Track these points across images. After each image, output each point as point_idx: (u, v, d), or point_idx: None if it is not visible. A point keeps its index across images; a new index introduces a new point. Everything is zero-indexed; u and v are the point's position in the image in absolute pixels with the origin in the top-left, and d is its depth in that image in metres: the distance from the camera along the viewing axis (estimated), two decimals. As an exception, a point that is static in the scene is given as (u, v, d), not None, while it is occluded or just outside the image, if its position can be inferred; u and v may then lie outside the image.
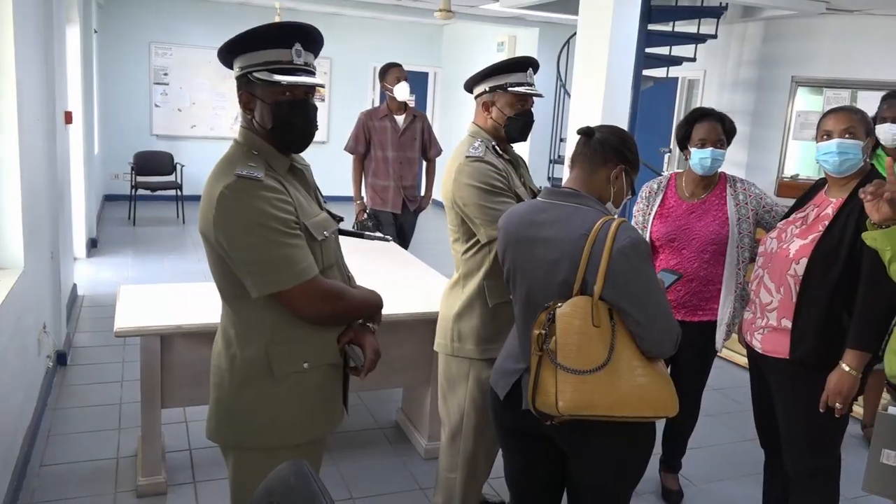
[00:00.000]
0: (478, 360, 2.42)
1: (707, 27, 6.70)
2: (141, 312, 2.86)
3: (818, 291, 2.23)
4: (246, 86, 1.70)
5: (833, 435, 2.34)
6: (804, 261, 2.25)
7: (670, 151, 7.90)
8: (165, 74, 9.90)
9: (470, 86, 2.48)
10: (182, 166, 9.15)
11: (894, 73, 6.12)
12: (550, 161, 8.39)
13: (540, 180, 8.48)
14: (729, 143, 2.83)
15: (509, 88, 2.37)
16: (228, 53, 1.70)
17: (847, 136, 2.23)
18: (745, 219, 2.79)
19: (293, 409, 1.76)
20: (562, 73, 7.99)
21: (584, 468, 1.89)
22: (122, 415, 3.59)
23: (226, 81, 9.86)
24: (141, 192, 8.86)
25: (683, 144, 2.85)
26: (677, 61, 6.59)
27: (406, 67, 5.00)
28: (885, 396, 2.32)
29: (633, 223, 2.85)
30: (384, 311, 1.87)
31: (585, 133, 1.90)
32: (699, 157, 2.76)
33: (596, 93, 4.52)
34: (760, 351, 2.41)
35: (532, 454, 2.00)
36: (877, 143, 2.87)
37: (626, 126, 4.58)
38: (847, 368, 2.16)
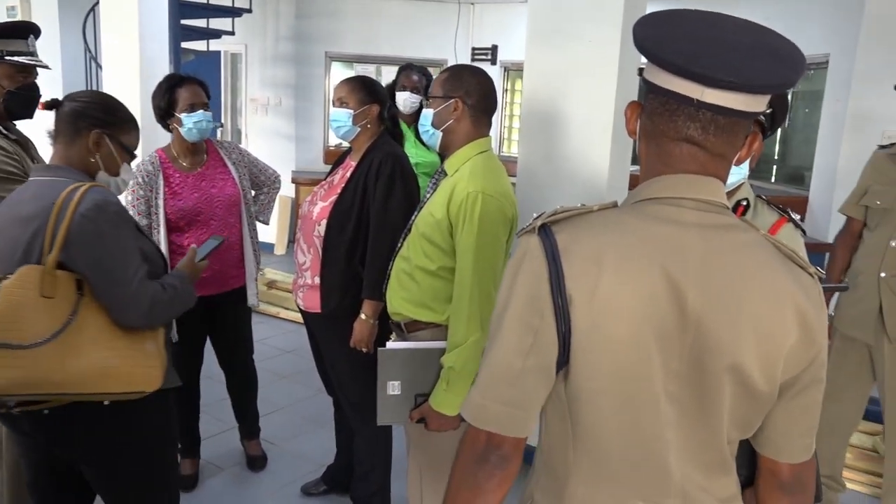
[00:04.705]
0: None
1: (242, 2, 6.77)
2: None
3: (337, 249, 2.43)
4: None
5: (372, 372, 2.61)
6: (325, 222, 2.43)
7: (223, 125, 7.86)
8: None
9: None
10: None
11: (409, 50, 7.04)
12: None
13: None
14: None
15: (7, 58, 2.08)
16: None
17: (339, 104, 2.45)
18: (245, 177, 2.90)
19: None
20: (90, 43, 7.26)
21: (89, 461, 1.79)
22: None
23: None
24: None
25: (169, 113, 2.70)
26: (216, 34, 6.52)
27: None
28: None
29: (134, 211, 2.66)
30: None
31: (51, 107, 1.80)
32: (193, 122, 2.68)
33: (131, 65, 4.22)
34: (304, 308, 2.58)
35: (43, 455, 1.82)
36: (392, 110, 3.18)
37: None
38: (364, 317, 2.41)
